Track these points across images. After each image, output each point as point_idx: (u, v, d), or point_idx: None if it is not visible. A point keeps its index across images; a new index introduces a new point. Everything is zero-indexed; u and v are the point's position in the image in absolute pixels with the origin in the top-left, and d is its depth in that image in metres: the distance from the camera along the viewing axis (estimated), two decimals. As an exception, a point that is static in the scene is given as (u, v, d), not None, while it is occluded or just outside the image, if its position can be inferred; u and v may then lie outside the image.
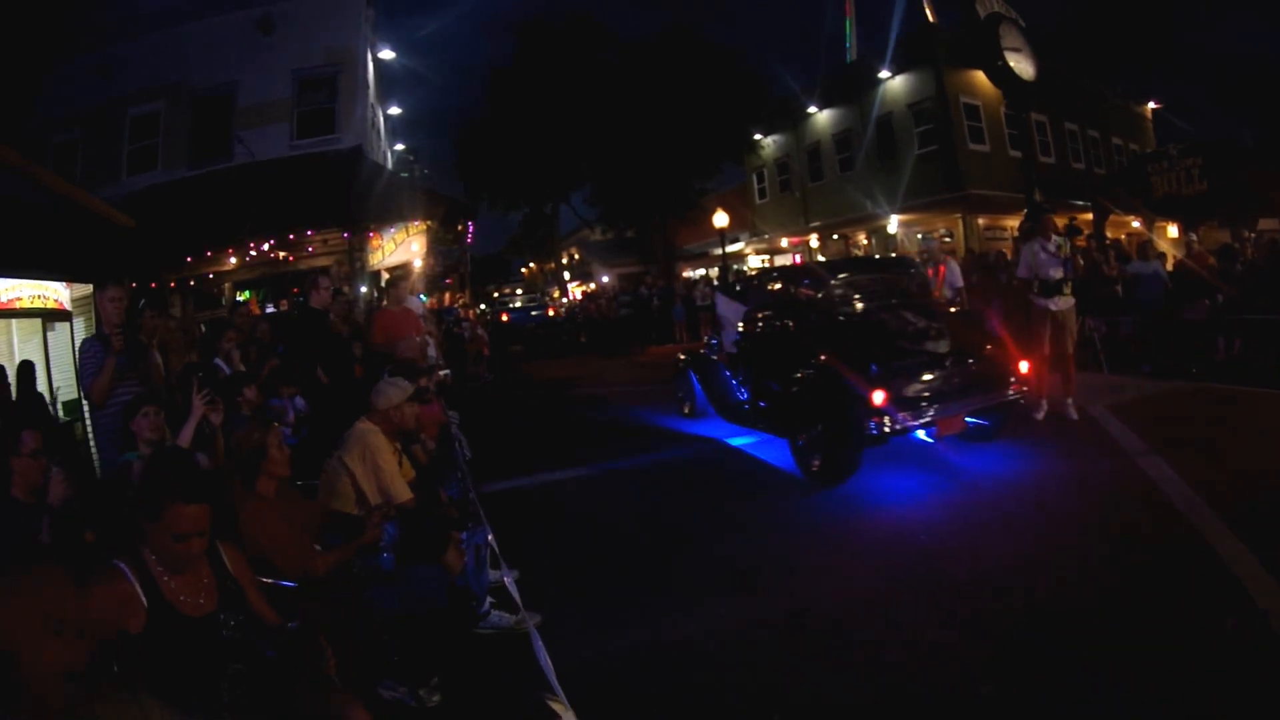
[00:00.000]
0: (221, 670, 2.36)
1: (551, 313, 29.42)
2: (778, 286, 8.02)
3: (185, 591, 2.40)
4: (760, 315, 7.77)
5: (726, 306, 8.52)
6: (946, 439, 6.56)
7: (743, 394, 7.81)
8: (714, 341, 8.79)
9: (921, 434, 6.25)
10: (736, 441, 7.92)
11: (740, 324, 8.00)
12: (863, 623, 3.79)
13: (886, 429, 5.77)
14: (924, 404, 6.04)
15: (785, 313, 7.45)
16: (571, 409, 11.58)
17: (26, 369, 7.23)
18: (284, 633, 2.59)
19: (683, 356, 9.66)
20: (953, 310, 7.55)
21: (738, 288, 8.98)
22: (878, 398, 5.74)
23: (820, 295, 7.20)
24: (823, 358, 6.41)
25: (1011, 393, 6.49)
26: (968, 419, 6.42)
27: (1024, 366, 6.62)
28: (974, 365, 6.42)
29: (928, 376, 6.16)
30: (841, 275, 7.48)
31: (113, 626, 2.21)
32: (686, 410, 9.35)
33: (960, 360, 6.35)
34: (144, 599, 2.28)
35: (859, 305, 7.06)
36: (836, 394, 6.06)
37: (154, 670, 2.21)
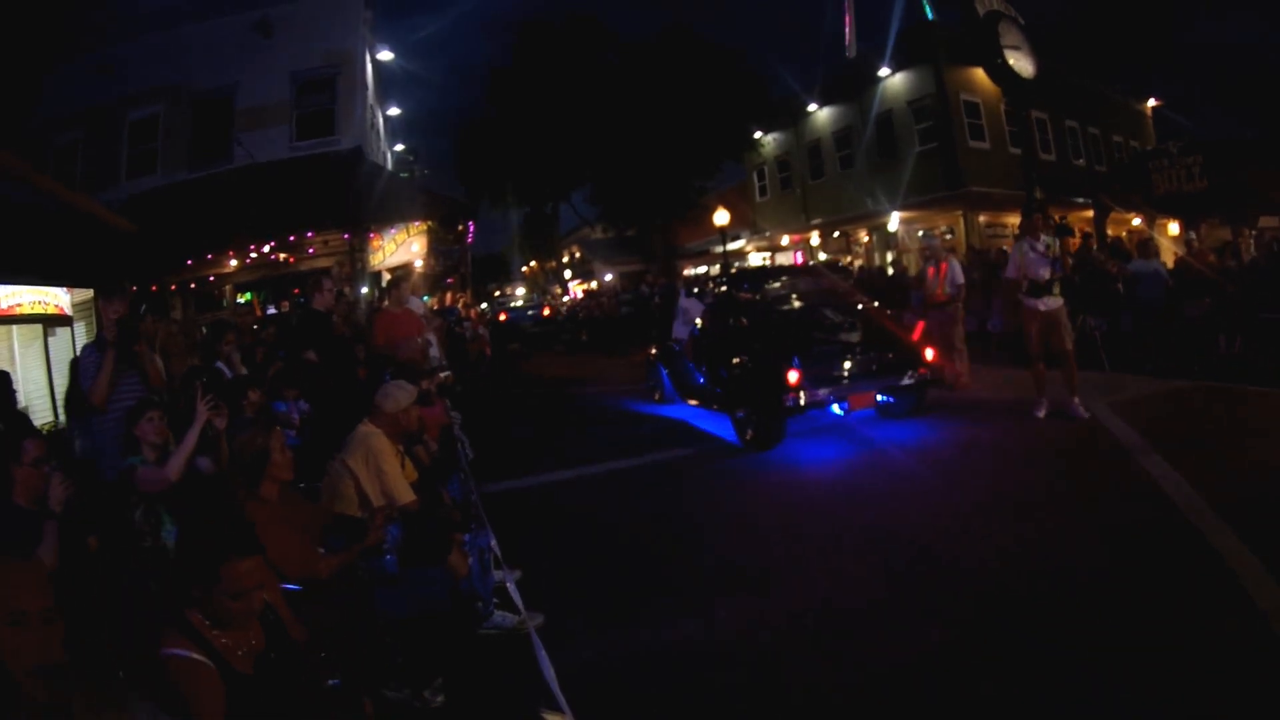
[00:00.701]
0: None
1: (547, 312, 29.97)
2: (725, 289, 9.56)
3: (240, 644, 2.27)
4: (713, 313, 9.23)
5: (687, 302, 10.11)
6: (973, 450, 7.09)
7: (700, 379, 8.99)
8: (678, 338, 9.94)
9: (836, 408, 7.47)
10: (728, 436, 7.99)
11: (698, 319, 9.50)
12: (873, 628, 3.81)
13: (802, 402, 7.09)
14: (836, 383, 7.36)
15: (731, 311, 8.84)
16: (571, 408, 11.82)
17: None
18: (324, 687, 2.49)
19: (653, 351, 10.92)
20: (871, 308, 8.77)
21: (695, 289, 10.73)
22: (792, 377, 7.06)
23: (757, 296, 8.87)
24: (753, 346, 7.85)
25: (915, 376, 7.64)
26: (878, 397, 7.71)
27: (929, 354, 7.78)
28: (883, 353, 7.71)
29: (839, 361, 7.52)
30: (777, 280, 9.28)
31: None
32: (657, 397, 10.58)
33: (870, 348, 7.70)
34: (212, 665, 2.14)
35: (790, 304, 8.67)
36: (761, 376, 7.41)
37: None
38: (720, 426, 8.41)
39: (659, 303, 22.18)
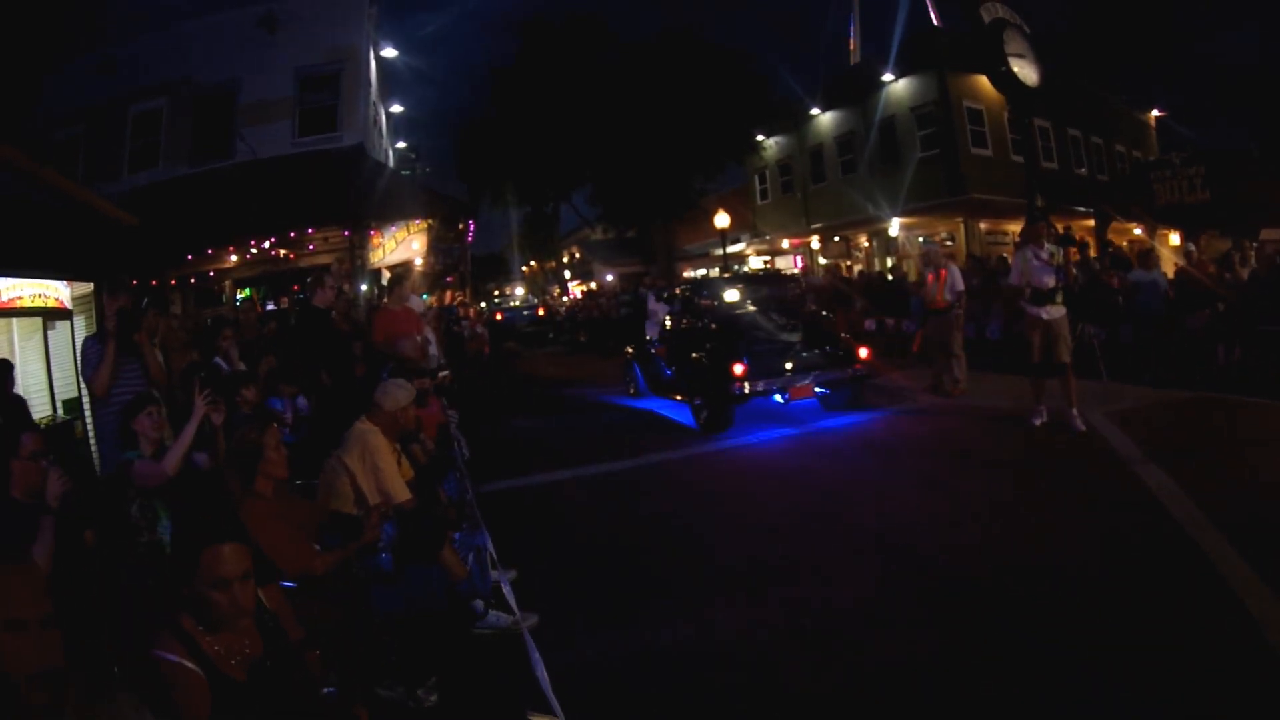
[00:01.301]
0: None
1: (541, 312, 31.89)
2: (689, 294, 10.86)
3: (232, 651, 2.19)
4: (677, 316, 10.65)
5: (655, 305, 11.59)
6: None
7: (667, 374, 10.17)
8: (653, 339, 11.22)
9: (778, 397, 8.63)
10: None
11: (666, 320, 10.92)
12: (869, 629, 3.81)
13: (746, 391, 8.20)
14: (777, 376, 8.44)
15: (692, 314, 10.23)
16: (560, 404, 12.44)
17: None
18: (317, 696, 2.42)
19: (629, 351, 12.04)
20: (813, 311, 10.15)
21: (665, 294, 12.15)
22: (738, 370, 8.22)
23: (714, 301, 10.22)
24: (707, 345, 9.03)
25: (849, 371, 8.78)
26: (816, 389, 8.74)
27: (863, 352, 8.95)
28: (821, 351, 8.88)
29: (781, 357, 8.63)
30: (731, 287, 10.67)
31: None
32: (632, 391, 11.63)
33: (810, 347, 8.88)
34: (201, 672, 2.08)
35: (743, 308, 9.92)
36: (713, 369, 8.59)
37: None
38: (683, 415, 9.46)
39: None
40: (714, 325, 9.54)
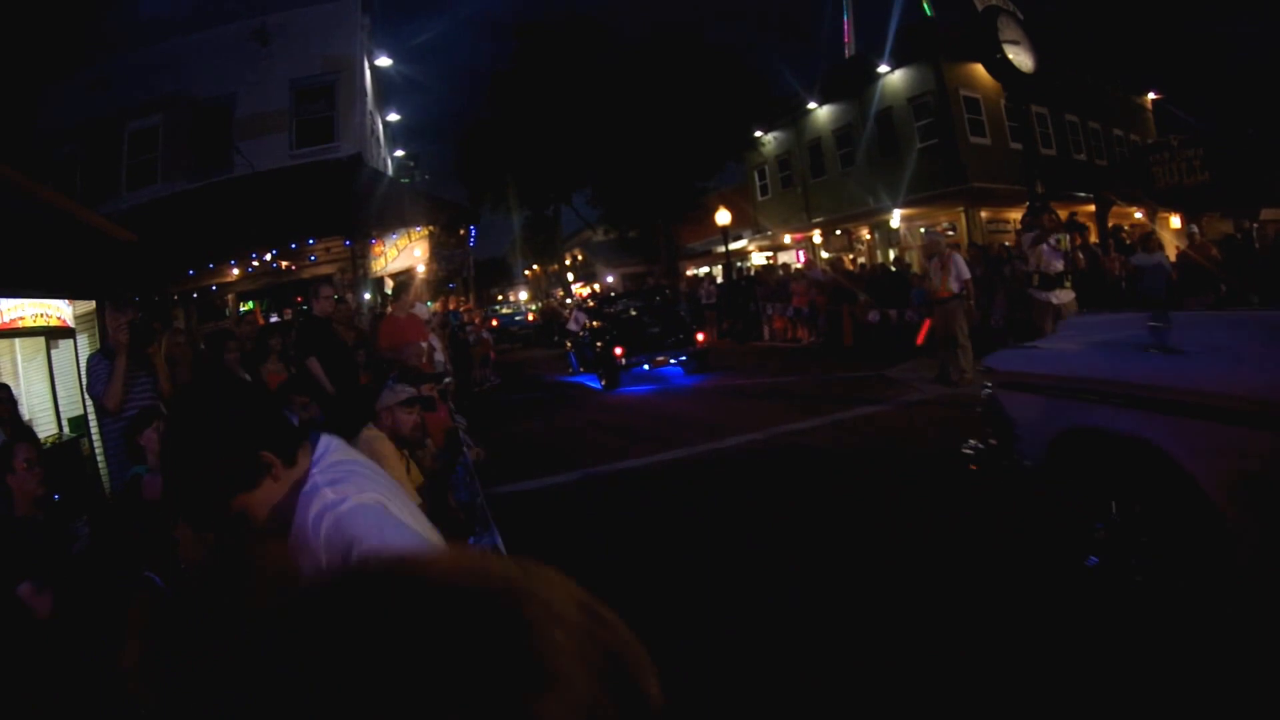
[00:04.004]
0: None
1: (532, 318, 36.68)
2: (596, 304, 17.65)
3: None
4: (590, 318, 16.41)
5: (578, 312, 17.51)
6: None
7: (589, 356, 15.42)
8: (583, 334, 16.44)
9: (646, 367, 13.58)
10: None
11: (588, 321, 16.42)
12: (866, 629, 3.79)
13: (625, 364, 13.30)
14: (644, 352, 13.48)
15: (598, 317, 15.85)
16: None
17: None
18: None
19: (568, 344, 18.07)
20: (675, 312, 16.13)
21: (589, 303, 19.03)
22: (618, 350, 13.32)
23: (608, 308, 16.30)
24: (605, 336, 14.20)
25: (691, 349, 13.79)
26: (671, 360, 13.77)
27: (700, 337, 14.27)
28: (673, 337, 14.00)
29: (648, 342, 13.75)
30: (621, 300, 17.37)
31: None
32: (570, 371, 17.16)
33: (667, 335, 14.05)
34: None
35: (629, 312, 15.64)
36: (606, 351, 13.59)
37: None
38: (595, 382, 14.27)
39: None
40: (609, 323, 14.76)
